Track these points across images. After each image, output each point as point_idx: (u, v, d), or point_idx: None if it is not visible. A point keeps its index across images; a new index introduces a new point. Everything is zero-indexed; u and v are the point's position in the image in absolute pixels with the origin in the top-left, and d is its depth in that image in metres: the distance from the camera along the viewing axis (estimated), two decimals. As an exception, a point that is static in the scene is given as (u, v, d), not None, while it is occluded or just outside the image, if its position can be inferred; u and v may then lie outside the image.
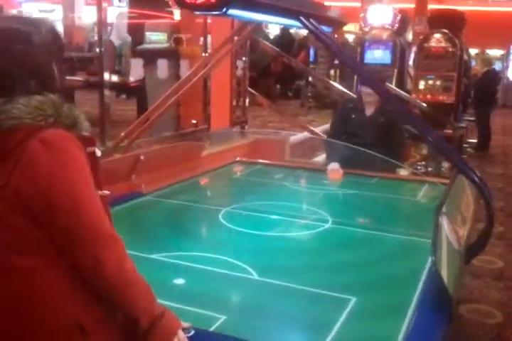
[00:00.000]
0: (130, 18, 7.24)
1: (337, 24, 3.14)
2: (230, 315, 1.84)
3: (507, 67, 15.30)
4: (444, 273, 1.92)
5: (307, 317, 1.91)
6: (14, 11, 10.11)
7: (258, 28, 4.63)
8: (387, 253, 2.56)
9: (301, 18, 2.53)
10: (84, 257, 1.26)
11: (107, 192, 1.40)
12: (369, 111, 4.11)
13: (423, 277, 2.16)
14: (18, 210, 1.24)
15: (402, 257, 2.52)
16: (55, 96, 1.32)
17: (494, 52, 15.40)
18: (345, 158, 3.99)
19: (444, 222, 2.23)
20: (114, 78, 5.77)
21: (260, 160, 4.34)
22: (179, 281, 2.14)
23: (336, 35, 7.95)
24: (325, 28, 2.78)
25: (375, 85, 2.85)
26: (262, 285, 2.12)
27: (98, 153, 1.39)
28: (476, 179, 2.55)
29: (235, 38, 4.14)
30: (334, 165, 3.92)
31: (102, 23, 3.72)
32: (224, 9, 2.13)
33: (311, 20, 2.60)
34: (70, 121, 1.32)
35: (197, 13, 2.25)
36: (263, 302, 2.01)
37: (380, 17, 7.88)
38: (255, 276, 2.17)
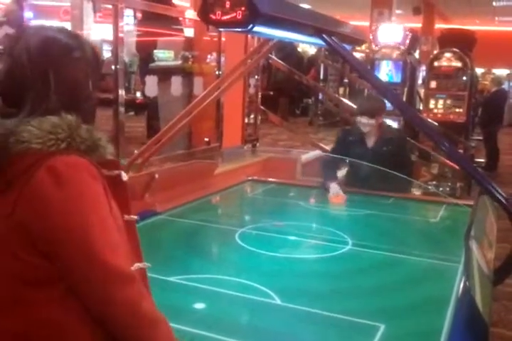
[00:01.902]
0: (138, 35, 7.26)
1: (357, 42, 3.11)
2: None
3: (513, 86, 15.31)
4: (478, 300, 1.84)
5: (335, 346, 1.83)
6: (23, 28, 10.16)
7: (273, 49, 4.61)
8: (411, 277, 2.48)
9: (324, 35, 2.49)
10: (92, 298, 1.14)
11: (134, 217, 1.29)
12: (370, 142, 3.93)
13: (452, 302, 2.07)
14: (25, 242, 1.14)
15: (427, 281, 2.44)
16: (73, 117, 1.20)
17: (500, 72, 15.43)
18: (354, 178, 3.90)
19: (474, 246, 2.16)
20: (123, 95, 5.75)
21: (273, 179, 4.28)
22: (198, 306, 2.06)
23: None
24: (345, 46, 2.74)
25: (396, 103, 2.80)
26: (285, 311, 2.05)
27: (124, 177, 1.27)
28: (503, 200, 2.48)
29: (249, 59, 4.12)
30: (335, 189, 3.72)
31: (117, 41, 3.69)
32: (250, 26, 2.09)
33: (333, 37, 2.56)
34: (86, 145, 1.19)
35: (221, 30, 2.21)
36: (287, 328, 1.93)
37: (391, 35, 7.88)
38: (278, 301, 2.09)
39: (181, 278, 2.25)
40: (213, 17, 2.28)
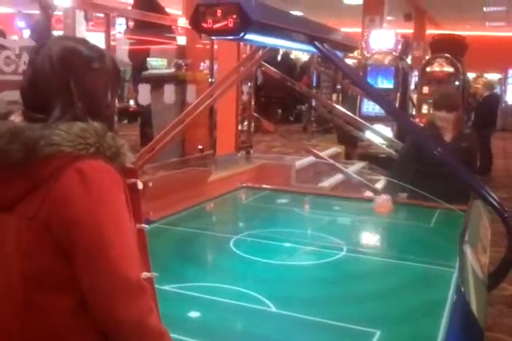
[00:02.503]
0: (130, 44, 7.26)
1: (349, 48, 3.13)
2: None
3: (505, 90, 15.39)
4: (473, 305, 1.84)
5: (331, 353, 1.83)
6: (15, 37, 10.17)
7: (266, 56, 4.62)
8: (406, 282, 2.48)
9: (316, 42, 2.51)
10: (100, 306, 1.13)
11: (145, 226, 1.31)
12: (448, 137, 3.73)
13: (448, 307, 2.07)
14: (47, 244, 1.15)
15: (422, 286, 2.44)
16: (99, 124, 1.22)
17: (492, 76, 15.52)
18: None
19: (468, 250, 2.16)
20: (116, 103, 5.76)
21: (267, 186, 4.28)
22: (193, 314, 2.05)
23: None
24: (338, 53, 2.76)
25: (389, 110, 2.82)
26: (280, 318, 2.04)
27: (140, 185, 1.29)
28: (497, 205, 2.49)
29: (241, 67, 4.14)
30: (383, 198, 3.55)
31: (109, 49, 3.69)
32: (242, 34, 2.10)
33: (325, 44, 2.58)
34: (112, 152, 1.22)
35: (213, 38, 2.21)
36: (282, 336, 1.93)
37: (383, 42, 7.92)
38: (273, 308, 2.09)
39: (175, 286, 2.24)
40: (205, 25, 2.29)
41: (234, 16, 2.22)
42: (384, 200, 3.50)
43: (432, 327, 1.94)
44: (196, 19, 2.30)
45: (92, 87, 1.26)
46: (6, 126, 1.18)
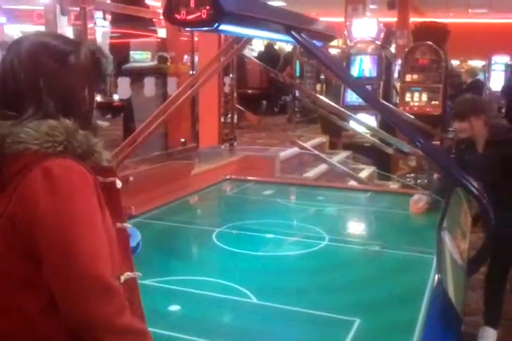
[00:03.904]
0: (113, 37, 7.19)
1: (328, 38, 3.11)
2: (230, 342, 1.75)
3: (489, 77, 15.44)
4: (451, 291, 1.86)
5: (311, 342, 1.83)
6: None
7: (246, 44, 4.60)
8: (387, 270, 2.50)
9: (293, 32, 2.49)
10: (67, 306, 1.11)
11: (127, 225, 1.27)
12: (480, 146, 3.33)
13: (427, 294, 2.09)
14: (14, 243, 1.13)
15: (403, 274, 2.46)
16: (72, 122, 1.19)
17: (476, 63, 15.56)
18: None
19: (446, 237, 2.17)
20: (98, 98, 5.70)
21: (251, 178, 4.28)
22: (174, 308, 2.05)
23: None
24: (316, 42, 2.75)
25: (367, 98, 2.81)
26: (262, 309, 2.05)
27: (119, 184, 1.25)
28: (475, 191, 2.50)
29: (222, 56, 4.11)
30: (417, 197, 3.39)
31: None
32: (215, 25, 2.08)
33: (302, 34, 2.56)
34: (83, 149, 1.18)
35: (187, 29, 2.20)
36: (264, 327, 1.93)
37: (365, 30, 7.91)
38: (254, 300, 2.09)
39: (156, 280, 2.23)
40: (178, 17, 2.27)
41: (207, 7, 2.20)
42: (415, 201, 3.36)
43: (412, 313, 1.95)
44: (169, 10, 2.28)
45: (65, 83, 1.21)
46: None
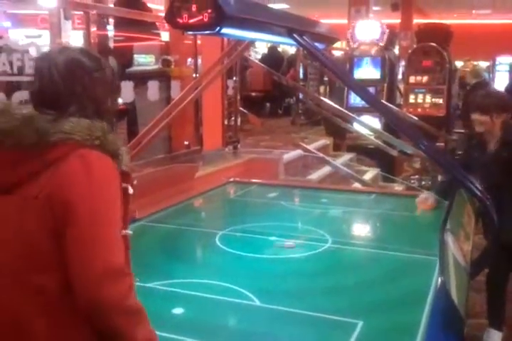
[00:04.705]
0: (116, 41, 7.21)
1: (330, 40, 3.12)
2: (234, 345, 1.76)
3: (493, 78, 15.40)
4: (454, 293, 1.86)
5: (314, 345, 1.83)
6: None
7: (248, 47, 4.61)
8: (390, 272, 2.49)
9: (295, 35, 2.50)
10: (82, 287, 1.20)
11: (129, 232, 1.37)
12: (491, 145, 3.24)
13: (430, 296, 2.08)
14: (46, 225, 1.24)
15: (406, 276, 2.45)
16: (103, 124, 1.36)
17: (480, 64, 15.53)
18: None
19: (449, 238, 2.17)
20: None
21: (255, 180, 4.28)
22: (178, 311, 2.05)
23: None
24: (318, 45, 2.76)
25: (370, 101, 2.82)
26: (265, 312, 2.05)
27: (130, 190, 1.38)
28: (479, 193, 2.50)
29: (225, 58, 4.12)
30: (425, 195, 3.45)
31: (90, 47, 3.67)
32: (217, 28, 2.09)
33: (304, 37, 2.57)
34: (113, 149, 1.34)
35: (189, 33, 2.21)
36: (267, 329, 1.93)
37: (368, 33, 7.91)
38: (257, 302, 2.09)
39: (159, 283, 2.24)
40: (180, 21, 2.28)
41: (209, 11, 2.21)
42: (424, 198, 3.40)
43: (415, 315, 1.95)
44: (172, 14, 2.30)
45: (93, 93, 1.38)
46: (21, 111, 1.32)
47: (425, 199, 3.36)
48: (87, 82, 1.37)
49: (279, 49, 13.00)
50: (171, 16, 2.31)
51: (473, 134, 3.38)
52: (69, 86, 1.35)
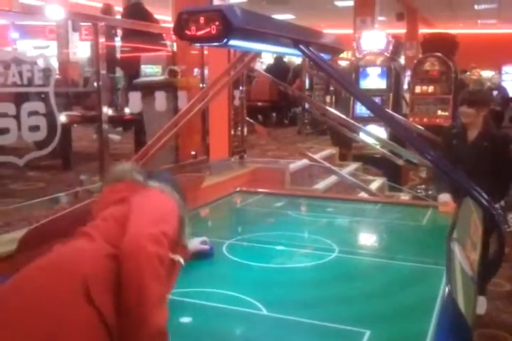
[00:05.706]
0: (123, 51, 7.28)
1: (336, 50, 3.15)
2: (241, 354, 1.76)
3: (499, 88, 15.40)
4: (461, 302, 1.85)
5: (322, 354, 1.84)
6: (9, 49, 10.19)
7: (255, 58, 4.65)
8: (397, 281, 2.49)
9: (301, 46, 2.52)
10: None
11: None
12: (472, 135, 3.80)
13: (437, 306, 2.09)
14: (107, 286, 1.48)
15: (413, 285, 2.45)
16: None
17: (486, 74, 15.55)
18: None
19: (456, 248, 2.17)
20: (110, 112, 5.78)
21: (261, 190, 4.29)
22: (184, 320, 2.06)
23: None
24: (324, 55, 2.78)
25: (375, 111, 2.83)
26: (272, 321, 2.05)
27: (181, 261, 1.73)
28: (484, 202, 2.50)
29: (232, 69, 4.15)
30: (444, 197, 3.66)
31: (98, 58, 3.71)
32: (225, 40, 2.12)
33: (311, 48, 2.59)
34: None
35: (197, 45, 2.24)
36: (274, 339, 1.94)
37: (374, 42, 7.95)
38: (264, 311, 2.10)
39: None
40: (188, 33, 2.31)
41: (217, 23, 2.24)
42: (445, 202, 3.53)
43: (423, 325, 1.95)
44: (179, 27, 2.33)
45: None
46: None
47: (446, 203, 3.49)
48: None
49: (285, 59, 13.08)
50: (179, 28, 2.33)
51: (456, 125, 3.92)
52: None
